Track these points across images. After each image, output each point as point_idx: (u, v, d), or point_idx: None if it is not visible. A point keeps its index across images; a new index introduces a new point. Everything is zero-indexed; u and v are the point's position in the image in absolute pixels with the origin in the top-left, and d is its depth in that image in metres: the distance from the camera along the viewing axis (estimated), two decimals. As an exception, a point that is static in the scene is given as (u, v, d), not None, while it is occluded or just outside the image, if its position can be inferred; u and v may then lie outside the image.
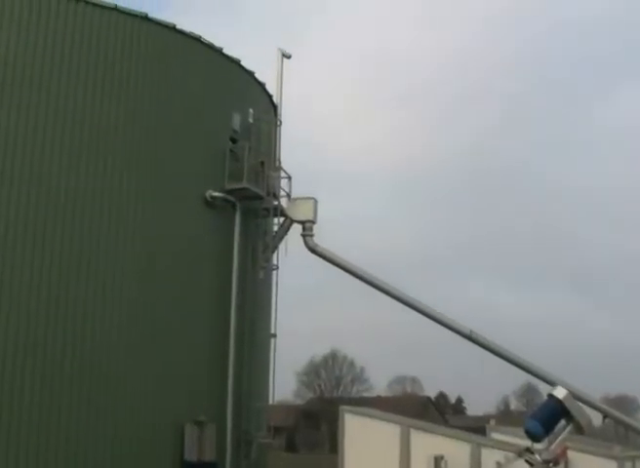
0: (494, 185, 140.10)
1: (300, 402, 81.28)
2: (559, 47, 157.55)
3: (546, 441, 10.10)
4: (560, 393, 10.14)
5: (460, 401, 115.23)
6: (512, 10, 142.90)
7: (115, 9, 22.38)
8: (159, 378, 21.77)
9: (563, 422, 10.15)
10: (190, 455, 22.02)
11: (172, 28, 23.55)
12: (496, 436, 20.84)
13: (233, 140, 25.05)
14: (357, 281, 27.09)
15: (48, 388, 19.70)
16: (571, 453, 13.46)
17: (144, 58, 22.84)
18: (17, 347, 19.44)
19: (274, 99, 27.87)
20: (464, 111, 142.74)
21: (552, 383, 21.33)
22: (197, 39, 24.27)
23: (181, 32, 23.84)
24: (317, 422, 69.54)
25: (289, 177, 26.94)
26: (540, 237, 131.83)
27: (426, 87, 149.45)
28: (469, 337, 27.32)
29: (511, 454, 10.42)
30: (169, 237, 22.65)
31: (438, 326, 27.65)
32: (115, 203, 21.65)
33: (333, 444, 45.12)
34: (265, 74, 27.36)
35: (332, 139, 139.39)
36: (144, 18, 22.97)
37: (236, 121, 25.14)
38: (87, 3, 21.96)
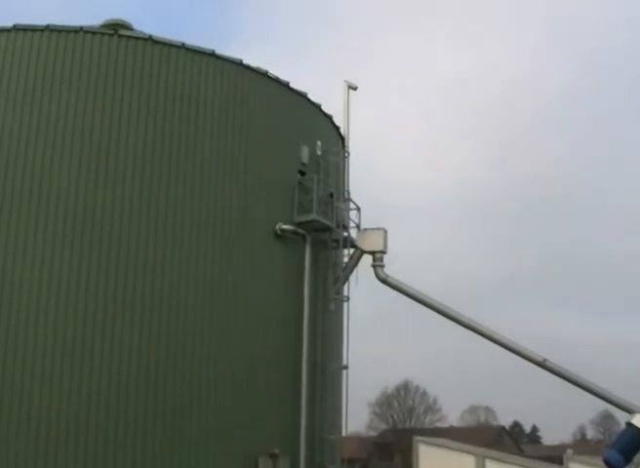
0: (563, 212, 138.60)
1: (372, 433, 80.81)
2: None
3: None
4: (639, 421, 9.97)
5: (535, 430, 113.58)
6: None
7: (183, 47, 22.81)
8: (233, 412, 21.84)
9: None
10: (264, 488, 22.03)
11: (239, 64, 23.86)
12: (573, 466, 20.51)
13: (302, 173, 25.18)
14: (428, 310, 26.93)
15: (130, 425, 20.10)
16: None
17: (213, 94, 23.17)
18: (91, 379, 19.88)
19: (341, 131, 27.99)
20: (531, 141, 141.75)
21: (630, 411, 20.82)
22: (264, 74, 24.55)
23: (248, 68, 24.14)
24: (390, 453, 69.04)
25: (358, 209, 26.97)
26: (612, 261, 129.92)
27: (495, 114, 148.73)
28: (543, 365, 26.85)
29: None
30: (240, 270, 22.79)
31: (511, 354, 27.29)
32: (187, 235, 21.93)
33: (407, 475, 44.71)
34: (332, 106, 27.57)
35: (399, 169, 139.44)
36: (212, 54, 23.34)
37: (304, 154, 25.31)
38: (155, 42, 22.49)
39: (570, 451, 33.10)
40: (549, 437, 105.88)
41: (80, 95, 21.63)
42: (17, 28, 22.04)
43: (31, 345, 19.89)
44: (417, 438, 16.22)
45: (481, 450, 15.81)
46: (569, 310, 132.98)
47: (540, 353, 26.97)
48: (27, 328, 19.96)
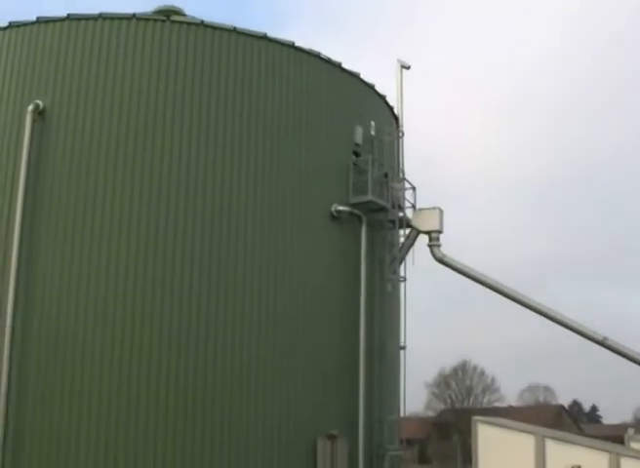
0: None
1: (431, 413, 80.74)
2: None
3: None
4: None
5: (594, 409, 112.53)
6: None
7: (234, 31, 22.84)
8: (291, 394, 21.98)
9: None
10: (324, 469, 22.14)
11: (291, 46, 23.83)
12: (635, 445, 20.28)
13: (356, 154, 25.13)
14: (486, 290, 26.81)
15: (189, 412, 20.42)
16: None
17: (265, 77, 23.17)
18: (160, 355, 20.19)
19: (395, 111, 27.87)
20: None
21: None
22: (316, 55, 24.49)
23: (300, 50, 24.10)
24: (449, 433, 68.97)
25: (413, 188, 26.87)
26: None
27: (555, 97, 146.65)
28: (603, 344, 26.59)
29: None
30: (296, 252, 22.86)
31: (570, 333, 27.08)
32: (243, 217, 22.05)
33: (465, 455, 44.71)
34: (385, 86, 27.44)
35: (454, 149, 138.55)
36: (263, 38, 23.34)
37: (358, 134, 25.24)
38: (207, 27, 22.61)
39: (631, 431, 32.71)
40: (609, 416, 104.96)
41: (134, 81, 21.81)
42: (70, 18, 22.25)
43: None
44: (475, 417, 16.15)
45: (541, 430, 15.69)
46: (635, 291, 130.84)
47: (600, 332, 26.74)
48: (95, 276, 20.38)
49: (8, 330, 20.13)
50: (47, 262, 20.70)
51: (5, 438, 19.67)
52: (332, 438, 22.30)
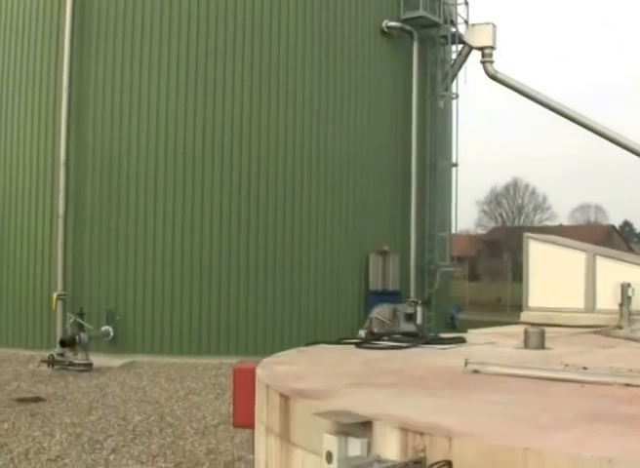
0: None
1: (481, 231, 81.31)
2: None
3: None
4: None
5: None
6: None
7: None
8: (344, 211, 22.18)
9: None
10: (375, 285, 22.58)
11: None
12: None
13: (408, -32, 24.34)
14: (540, 108, 26.33)
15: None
16: None
17: None
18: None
19: None
20: None
21: None
22: None
23: None
24: (499, 251, 69.55)
25: (466, 3, 26.17)
26: None
27: None
28: (658, 162, 26.22)
29: None
30: (347, 69, 22.53)
31: (625, 152, 26.68)
32: (293, 35, 21.63)
33: (515, 272, 45.20)
34: None
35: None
36: None
37: (410, -52, 24.37)
38: None
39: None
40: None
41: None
42: None
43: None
44: (527, 234, 16.07)
45: (592, 247, 15.63)
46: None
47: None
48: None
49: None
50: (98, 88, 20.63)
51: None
52: (383, 253, 22.64)
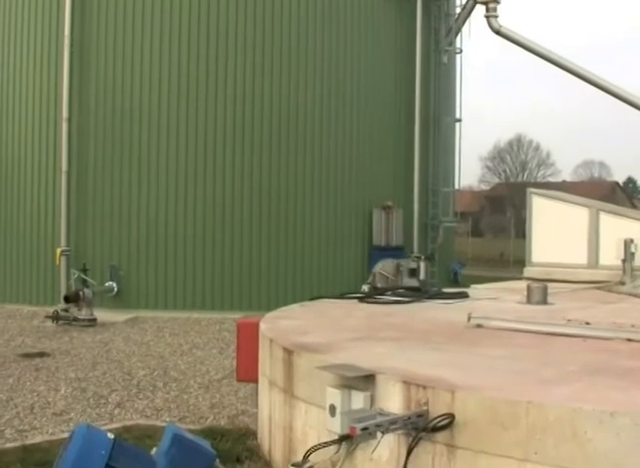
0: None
1: (484, 187, 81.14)
2: None
3: None
4: None
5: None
6: None
7: None
8: (348, 166, 22.12)
9: None
10: (378, 240, 22.58)
11: None
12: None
13: None
14: (545, 63, 26.13)
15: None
16: None
17: None
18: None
19: None
20: None
21: None
22: None
23: None
24: (502, 207, 69.51)
25: (470, -44, 25.77)
26: None
27: None
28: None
29: None
30: (351, 24, 22.31)
31: (630, 108, 26.53)
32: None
33: (518, 228, 45.18)
34: None
35: None
36: None
37: None
38: None
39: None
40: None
41: None
42: None
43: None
44: (531, 190, 16.09)
45: (596, 203, 15.64)
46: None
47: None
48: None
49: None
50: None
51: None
52: (387, 209, 22.61)
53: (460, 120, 26.12)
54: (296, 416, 6.11)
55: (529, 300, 9.79)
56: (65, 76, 20.06)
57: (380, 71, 23.04)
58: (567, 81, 26.14)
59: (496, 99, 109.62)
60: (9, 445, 8.09)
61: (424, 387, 4.89)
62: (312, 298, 10.41)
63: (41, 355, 13.34)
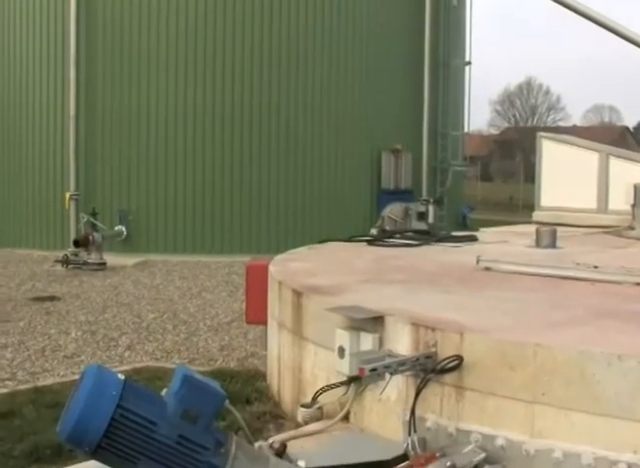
0: None
1: (494, 131, 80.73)
2: None
3: None
4: None
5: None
6: None
7: None
8: (357, 109, 21.99)
9: None
10: (387, 183, 22.55)
11: None
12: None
13: None
14: (556, 5, 25.79)
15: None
16: None
17: None
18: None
19: None
20: None
21: None
22: None
23: None
24: (512, 151, 69.19)
25: None
26: None
27: None
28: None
29: None
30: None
31: (641, 51, 26.17)
32: None
33: (527, 173, 45.01)
34: None
35: None
36: None
37: None
38: None
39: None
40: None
41: None
42: None
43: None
44: (541, 134, 15.98)
45: (605, 148, 15.56)
46: None
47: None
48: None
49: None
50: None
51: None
52: (396, 152, 22.54)
53: (469, 63, 25.90)
54: (305, 358, 6.15)
55: (538, 244, 9.77)
56: (72, 14, 19.91)
57: (389, 13, 22.80)
58: (578, 24, 25.71)
59: (507, 42, 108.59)
60: (21, 386, 8.18)
61: (433, 329, 4.92)
62: (321, 241, 10.42)
63: (51, 299, 13.42)
